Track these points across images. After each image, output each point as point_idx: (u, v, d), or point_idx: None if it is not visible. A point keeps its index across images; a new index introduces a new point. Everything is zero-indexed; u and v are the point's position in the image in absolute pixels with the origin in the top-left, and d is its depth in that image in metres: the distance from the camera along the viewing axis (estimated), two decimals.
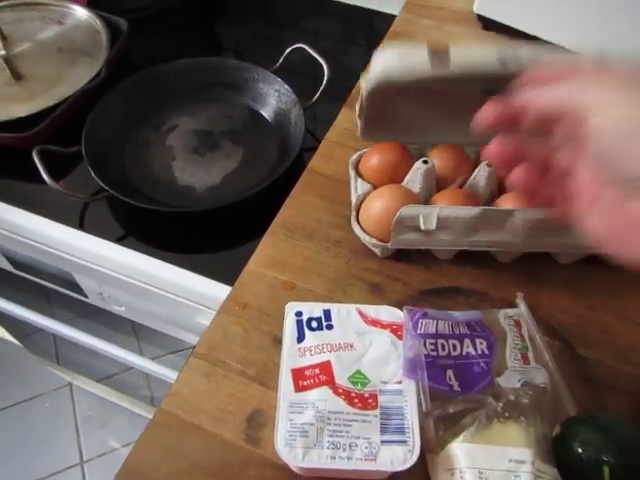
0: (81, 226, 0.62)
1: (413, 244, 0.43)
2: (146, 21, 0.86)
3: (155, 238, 0.61)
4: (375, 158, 0.46)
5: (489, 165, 0.43)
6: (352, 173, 0.47)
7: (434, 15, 0.69)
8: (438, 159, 0.46)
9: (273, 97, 0.72)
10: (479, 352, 0.38)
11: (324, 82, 0.67)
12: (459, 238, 0.42)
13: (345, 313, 0.37)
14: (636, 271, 0.27)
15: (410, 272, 0.45)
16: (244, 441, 0.36)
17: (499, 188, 0.45)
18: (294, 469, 0.33)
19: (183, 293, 0.59)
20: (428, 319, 0.37)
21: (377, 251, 0.45)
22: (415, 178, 0.44)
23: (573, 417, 0.35)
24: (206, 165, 0.68)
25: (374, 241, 0.43)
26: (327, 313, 0.37)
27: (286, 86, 0.70)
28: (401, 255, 0.46)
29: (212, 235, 0.60)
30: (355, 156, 0.48)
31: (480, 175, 0.44)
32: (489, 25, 0.67)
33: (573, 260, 0.46)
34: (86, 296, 0.74)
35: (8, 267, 0.77)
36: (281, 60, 0.73)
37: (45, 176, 0.57)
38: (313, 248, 0.47)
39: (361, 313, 0.37)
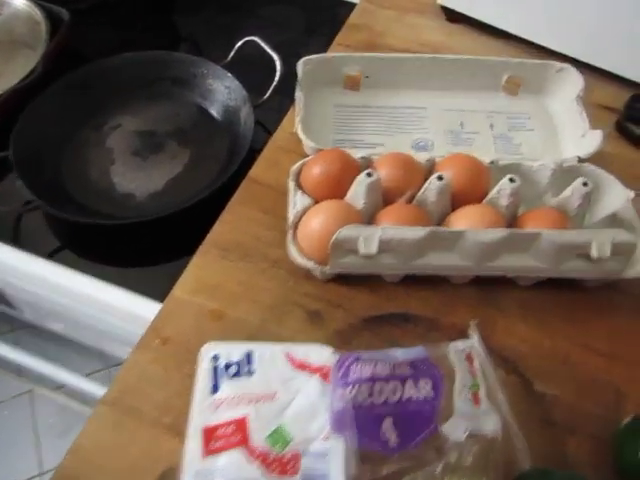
0: (15, 240, 0.56)
1: (354, 268, 0.38)
2: (90, 11, 0.79)
3: (92, 251, 0.55)
4: (317, 168, 0.41)
5: (440, 178, 0.39)
6: (291, 185, 0.42)
7: (395, 5, 0.64)
8: (386, 169, 0.41)
9: (223, 94, 0.67)
10: (423, 395, 0.33)
11: (276, 78, 0.62)
12: (405, 261, 0.38)
13: (270, 356, 0.32)
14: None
15: (353, 296, 0.41)
16: None
17: (452, 202, 0.41)
18: None
19: (121, 314, 0.54)
20: (365, 363, 0.32)
21: (317, 274, 0.41)
22: (358, 192, 0.39)
23: (525, 474, 0.31)
24: (148, 169, 0.62)
25: (311, 264, 0.38)
26: (249, 356, 0.32)
27: (236, 82, 0.65)
28: (344, 277, 0.41)
29: (152, 247, 0.55)
30: (297, 165, 0.43)
31: (430, 189, 0.39)
32: (454, 17, 0.62)
33: (533, 282, 0.42)
34: (22, 312, 0.69)
35: None
36: (232, 54, 0.68)
37: None
38: (248, 270, 0.42)
39: (288, 355, 0.33)
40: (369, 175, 0.38)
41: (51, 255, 0.55)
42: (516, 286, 0.42)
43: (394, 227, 0.36)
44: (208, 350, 0.33)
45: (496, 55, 0.55)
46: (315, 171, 0.41)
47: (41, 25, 0.69)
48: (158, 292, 0.47)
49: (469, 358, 0.37)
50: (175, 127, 0.66)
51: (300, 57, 0.55)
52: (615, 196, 0.44)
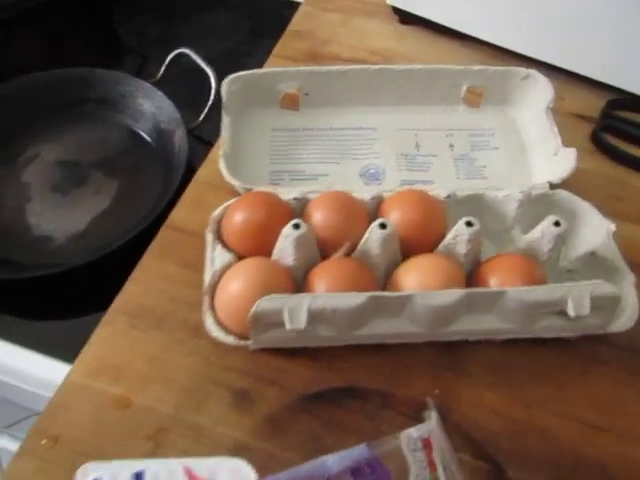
0: None
1: (282, 343, 0.31)
2: (11, 22, 0.71)
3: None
4: (238, 216, 0.34)
5: (383, 226, 0.32)
6: (209, 237, 0.35)
7: (340, 7, 0.57)
8: (321, 213, 0.34)
9: (155, 116, 0.59)
10: None
11: (211, 97, 0.54)
12: (344, 332, 0.31)
13: (166, 476, 0.25)
14: None
15: (290, 369, 0.34)
16: None
17: (403, 249, 0.34)
18: None
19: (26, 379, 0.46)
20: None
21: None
22: (286, 248, 0.32)
23: None
24: (69, 206, 0.55)
25: (231, 339, 0.31)
26: (139, 478, 0.25)
27: (168, 101, 0.57)
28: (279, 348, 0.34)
29: (69, 301, 0.47)
30: (218, 211, 0.36)
31: (373, 240, 0.32)
32: (406, 18, 0.55)
33: (502, 338, 0.35)
34: None
35: None
36: (163, 69, 0.60)
37: None
38: (162, 342, 0.35)
39: (190, 473, 0.26)
40: (296, 227, 0.31)
41: None
42: (484, 344, 0.35)
43: (325, 295, 0.29)
44: (85, 474, 0.25)
45: (455, 61, 0.48)
46: (236, 220, 0.34)
47: None
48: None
49: (426, 446, 0.30)
50: (102, 155, 0.58)
51: (243, 69, 0.48)
52: (594, 228, 0.37)
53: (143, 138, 0.59)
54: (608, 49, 0.48)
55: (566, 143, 0.43)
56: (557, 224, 0.33)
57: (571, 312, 0.30)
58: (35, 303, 0.47)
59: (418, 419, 0.32)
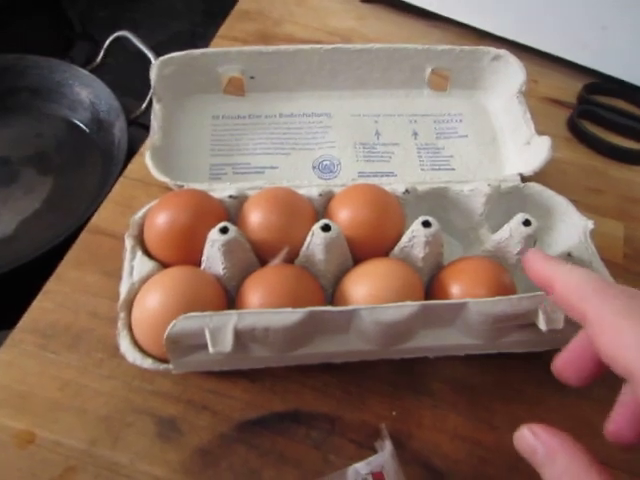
0: None
1: (209, 366, 0.27)
2: None
3: None
4: (162, 218, 0.29)
5: (326, 228, 0.27)
6: (129, 243, 0.30)
7: None
8: (259, 214, 0.29)
9: (93, 105, 0.54)
10: None
11: (153, 85, 0.49)
12: (281, 353, 0.26)
13: None
14: None
15: (224, 392, 0.29)
16: None
17: (354, 253, 0.30)
18: None
19: None
20: None
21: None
22: (213, 255, 0.27)
23: None
24: None
25: (149, 363, 0.27)
26: None
27: (107, 89, 0.52)
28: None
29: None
30: (140, 213, 0.31)
31: (315, 244, 0.28)
32: None
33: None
34: None
35: None
36: (102, 54, 0.55)
37: None
38: (77, 364, 0.30)
39: None
40: (224, 231, 0.27)
41: None
42: (447, 359, 0.31)
43: (255, 311, 0.25)
44: None
45: (420, 42, 0.43)
46: (159, 222, 0.29)
47: None
48: None
49: (379, 479, 0.26)
50: (35, 151, 0.53)
51: None
52: (571, 226, 0.33)
53: (81, 130, 0.54)
54: (585, 29, 0.45)
55: (540, 130, 0.38)
56: (527, 223, 0.29)
57: (542, 326, 0.26)
58: None
59: (371, 447, 0.28)
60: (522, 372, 0.31)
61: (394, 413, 0.29)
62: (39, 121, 0.55)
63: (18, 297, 0.40)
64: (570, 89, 0.46)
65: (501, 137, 0.41)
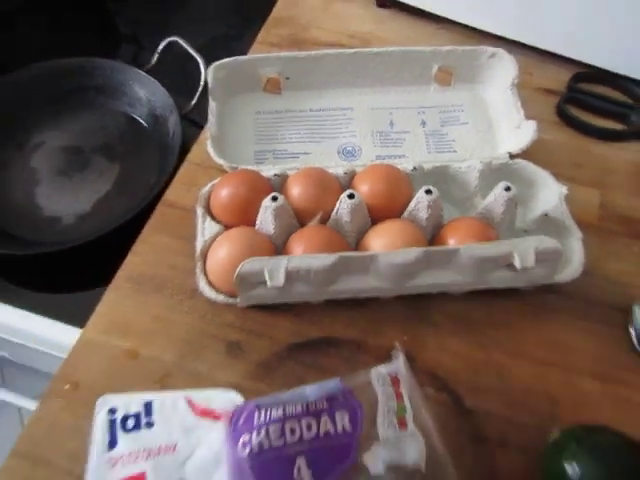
0: None
1: (266, 300, 0.36)
2: (13, 14, 0.74)
3: (16, 280, 0.53)
4: (224, 192, 0.39)
5: (351, 196, 0.36)
6: (200, 211, 0.39)
7: None
8: (298, 188, 0.39)
9: (150, 101, 0.63)
10: (340, 429, 0.31)
11: (201, 83, 0.58)
12: (319, 289, 0.35)
13: (170, 405, 0.31)
14: None
15: (276, 324, 0.39)
16: None
17: (372, 217, 0.38)
18: None
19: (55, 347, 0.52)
20: (269, 406, 0.30)
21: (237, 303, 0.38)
22: (266, 218, 0.37)
23: None
24: (74, 189, 0.59)
25: (222, 297, 0.36)
26: (148, 407, 0.30)
27: (162, 89, 0.61)
28: (268, 305, 0.39)
29: (79, 273, 0.52)
30: (205, 189, 0.41)
31: (343, 209, 0.37)
32: (384, 2, 0.58)
33: (464, 291, 0.40)
34: None
35: None
36: (156, 57, 0.64)
37: None
38: (164, 303, 0.40)
39: (190, 402, 0.31)
40: (274, 199, 0.36)
41: None
42: (447, 297, 0.40)
43: (300, 256, 0.34)
44: (104, 403, 0.31)
45: (430, 43, 0.51)
46: (222, 195, 0.38)
47: None
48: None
49: (394, 382, 0.35)
50: (102, 141, 0.63)
51: (233, 54, 0.51)
52: (549, 192, 0.41)
53: (140, 123, 0.64)
54: (573, 25, 0.52)
55: (532, 116, 0.46)
56: (508, 189, 0.37)
57: (517, 264, 0.34)
58: (50, 277, 0.52)
59: (388, 361, 0.37)
60: (506, 306, 0.39)
61: (405, 338, 0.38)
62: (104, 115, 0.64)
63: (101, 261, 0.50)
64: (561, 79, 0.53)
65: (496, 123, 0.49)
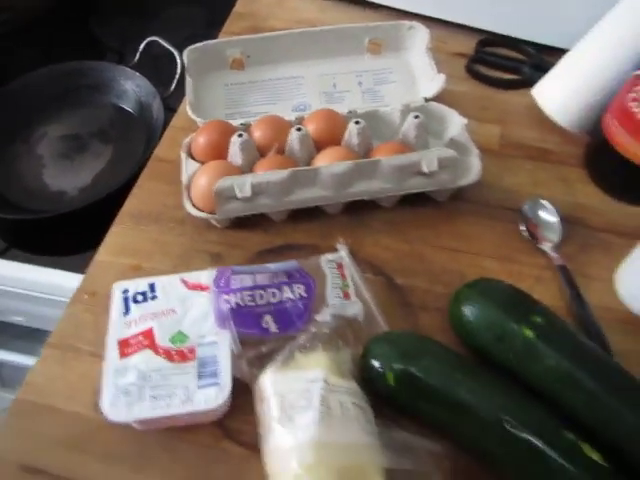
0: None
1: (238, 212, 0.47)
2: (6, 37, 0.85)
3: (33, 245, 0.63)
4: (201, 138, 0.50)
5: (298, 129, 0.47)
6: (183, 155, 0.50)
7: None
8: (259, 130, 0.50)
9: (135, 92, 0.75)
10: (297, 296, 0.42)
11: (178, 71, 0.70)
12: (278, 200, 0.46)
13: (168, 283, 0.41)
14: None
15: (248, 237, 0.50)
16: (94, 412, 0.40)
17: (317, 148, 0.50)
18: (134, 425, 0.37)
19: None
20: (242, 275, 0.41)
21: (215, 223, 0.49)
22: (235, 151, 0.48)
23: (373, 337, 0.40)
24: (76, 169, 0.70)
25: (204, 214, 0.47)
26: (152, 286, 0.41)
27: (145, 80, 0.73)
28: (240, 223, 0.50)
29: (85, 234, 0.62)
30: (187, 139, 0.52)
31: (293, 139, 0.48)
32: None
33: (393, 202, 0.51)
34: None
35: None
36: (138, 55, 0.75)
37: None
38: (159, 230, 0.50)
39: (183, 280, 0.41)
40: (240, 135, 0.47)
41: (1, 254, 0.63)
42: (381, 208, 0.51)
43: (261, 173, 0.45)
44: (119, 286, 0.41)
45: (361, 22, 0.63)
46: (200, 140, 0.50)
47: None
48: None
49: (339, 266, 0.46)
50: (97, 128, 0.74)
51: None
52: (455, 125, 0.53)
53: (128, 111, 0.75)
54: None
55: (447, 73, 0.58)
56: (416, 117, 0.48)
57: (425, 169, 0.46)
58: (58, 239, 0.62)
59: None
60: (428, 213, 0.51)
61: (349, 240, 0.49)
62: (96, 108, 0.76)
63: (101, 219, 0.60)
64: (470, 45, 0.65)
65: (417, 80, 0.61)
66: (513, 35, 0.64)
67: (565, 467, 0.33)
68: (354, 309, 0.43)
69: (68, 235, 0.64)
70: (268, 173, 0.45)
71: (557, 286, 0.47)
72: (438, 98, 0.56)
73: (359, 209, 0.51)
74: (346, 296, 0.44)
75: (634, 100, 0.46)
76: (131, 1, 0.91)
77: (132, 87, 0.75)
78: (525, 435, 0.34)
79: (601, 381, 0.36)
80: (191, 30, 0.85)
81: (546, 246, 0.49)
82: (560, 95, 0.54)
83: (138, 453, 0.39)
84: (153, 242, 0.50)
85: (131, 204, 0.53)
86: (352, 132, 0.48)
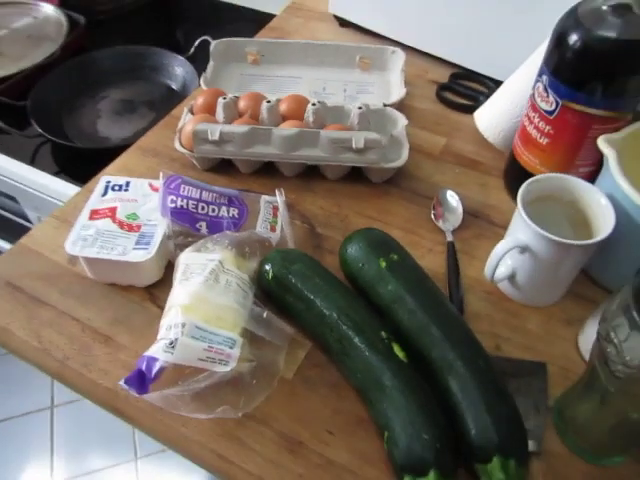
0: (32, 162, 0.84)
1: (209, 153, 0.62)
2: (104, 21, 1.09)
3: (78, 170, 0.82)
4: (200, 98, 0.66)
5: (268, 102, 0.62)
6: (185, 110, 0.67)
7: (304, 15, 0.90)
8: (242, 100, 0.65)
9: (183, 76, 0.94)
10: (230, 216, 0.56)
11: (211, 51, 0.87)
12: (241, 149, 0.61)
13: (139, 183, 0.56)
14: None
15: (217, 179, 0.64)
16: (67, 263, 0.55)
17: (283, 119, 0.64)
18: (84, 267, 0.52)
19: None
20: (191, 187, 0.55)
21: (196, 163, 0.64)
22: (219, 111, 0.63)
23: (272, 249, 0.52)
24: (123, 123, 0.89)
25: (186, 151, 0.62)
26: (127, 183, 0.56)
27: (192, 68, 0.92)
28: (217, 169, 0.65)
29: None
30: (191, 101, 0.68)
31: (263, 108, 0.63)
32: (344, 23, 0.87)
33: (338, 177, 0.64)
34: (29, 221, 0.95)
35: None
36: (193, 49, 0.95)
37: None
38: (156, 162, 0.66)
39: (150, 184, 0.56)
40: (224, 98, 0.62)
41: (56, 174, 0.82)
42: (326, 180, 0.64)
43: (229, 125, 0.60)
44: (105, 178, 0.57)
45: (358, 42, 0.78)
46: (199, 100, 0.66)
47: (63, 26, 0.99)
48: None
49: (275, 209, 0.59)
50: (147, 98, 0.93)
51: None
52: (398, 124, 0.66)
53: (173, 89, 0.94)
54: (455, 40, 0.77)
55: (419, 94, 0.72)
56: (359, 108, 0.62)
57: (353, 145, 0.58)
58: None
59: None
60: (362, 189, 0.63)
61: (293, 196, 0.62)
62: (152, 84, 0.95)
63: None
64: (446, 76, 0.78)
65: (391, 94, 0.74)
66: (479, 71, 0.76)
67: (376, 357, 0.44)
68: (274, 238, 0.56)
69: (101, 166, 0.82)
70: (234, 126, 0.60)
71: (444, 259, 0.57)
72: (404, 111, 0.68)
73: (308, 177, 0.64)
74: (272, 230, 0.57)
75: (526, 115, 0.56)
76: (203, 13, 1.13)
77: (182, 72, 0.94)
78: (350, 330, 0.45)
79: (423, 306, 0.46)
80: (236, 34, 1.04)
81: (445, 226, 0.59)
82: (490, 117, 0.65)
83: (86, 294, 0.53)
84: (147, 168, 0.66)
85: (142, 141, 0.69)
86: (309, 111, 0.62)
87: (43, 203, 0.84)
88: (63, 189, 0.80)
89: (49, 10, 1.02)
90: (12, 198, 0.92)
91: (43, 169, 0.83)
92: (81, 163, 0.83)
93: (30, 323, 0.51)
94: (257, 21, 1.07)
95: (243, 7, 1.12)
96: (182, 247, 0.52)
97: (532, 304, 0.54)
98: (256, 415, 0.46)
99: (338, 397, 0.47)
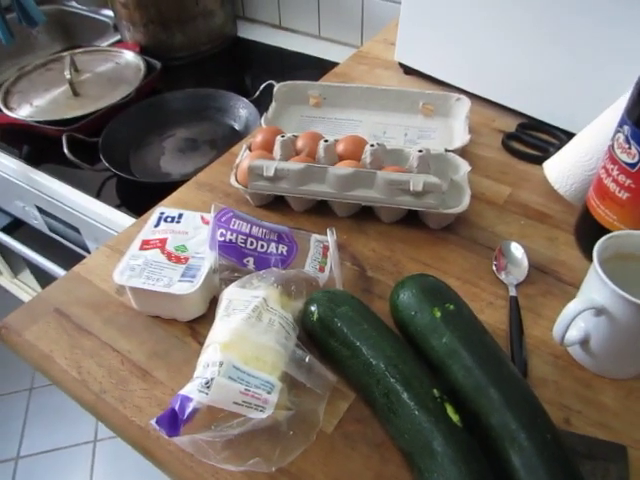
0: (97, 195, 0.87)
1: (263, 189, 0.61)
2: (179, 67, 1.15)
3: (138, 203, 0.84)
4: (259, 136, 0.66)
5: (325, 141, 0.61)
6: (243, 147, 0.67)
7: (370, 63, 0.90)
8: (302, 140, 0.65)
9: (247, 118, 0.96)
10: (279, 253, 0.54)
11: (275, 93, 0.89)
12: (295, 187, 0.60)
13: (191, 216, 0.56)
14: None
15: (270, 216, 0.63)
16: (115, 292, 0.55)
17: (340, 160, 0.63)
18: (130, 297, 0.51)
19: None
20: (242, 221, 0.54)
21: (249, 199, 0.64)
22: (277, 148, 0.63)
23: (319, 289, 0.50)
24: (184, 160, 0.92)
25: (241, 187, 0.62)
26: (180, 215, 0.56)
27: (256, 110, 0.94)
28: (269, 206, 0.64)
29: None
30: (250, 139, 0.69)
31: (320, 147, 0.62)
32: (408, 71, 0.86)
33: (393, 220, 0.61)
34: (88, 251, 0.98)
35: (43, 228, 1.04)
36: (258, 92, 0.98)
37: (65, 150, 0.84)
38: (210, 197, 0.67)
39: (202, 217, 0.56)
40: (282, 137, 0.62)
41: (117, 207, 0.85)
42: (380, 222, 0.62)
43: (284, 162, 0.59)
44: (159, 209, 0.57)
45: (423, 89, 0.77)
46: (257, 137, 0.66)
47: (141, 71, 1.05)
48: None
49: (324, 247, 0.57)
50: (210, 137, 0.96)
51: None
52: (461, 169, 0.63)
53: (237, 130, 0.96)
54: (523, 91, 0.74)
55: (486, 143, 0.69)
56: (420, 151, 0.60)
57: (411, 187, 0.56)
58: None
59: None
60: (417, 234, 0.60)
61: (345, 237, 0.60)
62: (217, 125, 0.98)
63: None
64: (513, 125, 0.75)
65: (454, 140, 0.72)
66: (548, 121, 0.73)
67: (426, 418, 0.39)
68: (322, 278, 0.53)
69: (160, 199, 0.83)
70: (290, 162, 0.59)
71: (506, 314, 0.52)
72: (467, 158, 0.65)
73: (362, 219, 0.62)
74: (321, 270, 0.55)
75: (603, 167, 0.52)
76: (271, 60, 1.17)
77: (245, 114, 0.96)
78: (399, 384, 0.41)
79: (481, 363, 0.41)
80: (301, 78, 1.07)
81: (507, 279, 0.54)
82: (562, 168, 0.61)
83: (129, 325, 0.52)
84: (201, 202, 0.66)
85: (199, 177, 0.70)
86: (366, 152, 0.61)
87: (103, 234, 0.87)
88: (122, 221, 0.82)
89: (130, 57, 1.09)
90: (75, 229, 0.95)
91: (106, 202, 0.85)
92: (141, 197, 0.85)
93: (72, 352, 0.50)
94: (323, 69, 1.10)
95: (310, 55, 1.15)
96: (228, 282, 0.50)
97: (608, 375, 0.47)
98: (291, 470, 0.42)
99: (382, 459, 0.42)
